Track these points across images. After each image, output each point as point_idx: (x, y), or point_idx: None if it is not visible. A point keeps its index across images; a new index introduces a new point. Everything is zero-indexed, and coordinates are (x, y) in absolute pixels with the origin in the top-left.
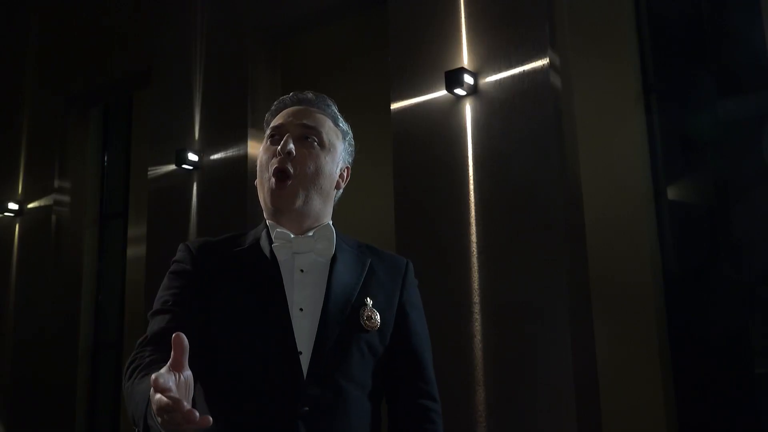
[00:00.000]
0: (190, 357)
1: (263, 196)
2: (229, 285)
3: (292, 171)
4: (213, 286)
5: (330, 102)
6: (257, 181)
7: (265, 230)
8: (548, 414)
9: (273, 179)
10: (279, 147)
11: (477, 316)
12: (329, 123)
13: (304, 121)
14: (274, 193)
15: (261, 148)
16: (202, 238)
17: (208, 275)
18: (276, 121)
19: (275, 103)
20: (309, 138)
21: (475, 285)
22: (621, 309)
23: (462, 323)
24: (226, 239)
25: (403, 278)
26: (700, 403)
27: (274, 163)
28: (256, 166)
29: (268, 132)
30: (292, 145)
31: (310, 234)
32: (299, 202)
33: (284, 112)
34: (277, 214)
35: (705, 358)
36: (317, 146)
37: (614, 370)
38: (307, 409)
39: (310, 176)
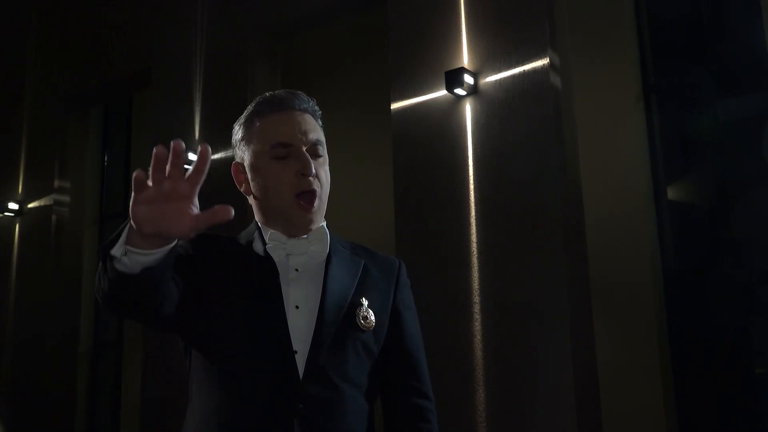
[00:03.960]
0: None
1: (279, 208)
2: (224, 280)
3: (317, 190)
4: (209, 279)
5: (312, 101)
6: (260, 192)
7: (256, 232)
8: (548, 414)
9: (302, 201)
10: (303, 169)
11: (477, 316)
12: (319, 127)
13: (311, 137)
14: (301, 215)
15: (262, 160)
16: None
17: (206, 265)
18: (283, 136)
19: (256, 104)
20: (319, 153)
21: (475, 285)
22: (621, 309)
23: (462, 323)
24: (221, 237)
25: (397, 279)
26: (700, 402)
27: (302, 185)
28: None
29: (270, 146)
30: (313, 166)
31: (305, 236)
32: (317, 221)
33: (288, 124)
34: (293, 230)
35: (705, 358)
36: (323, 160)
37: (614, 370)
38: (302, 407)
39: (326, 192)
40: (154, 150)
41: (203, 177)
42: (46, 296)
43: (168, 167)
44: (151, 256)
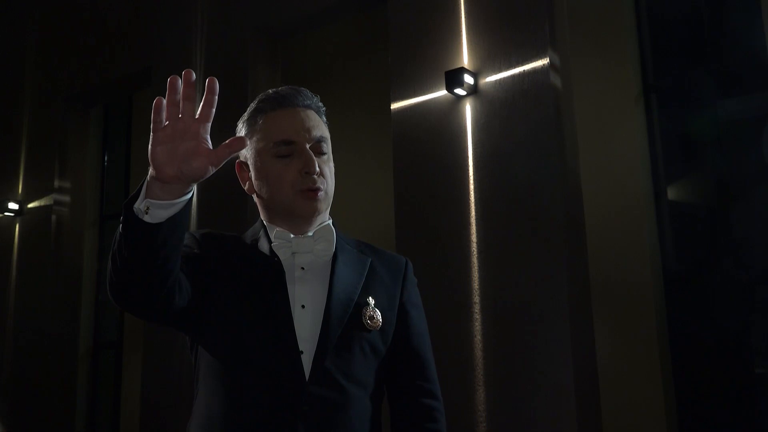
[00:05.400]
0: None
1: (283, 205)
2: (229, 279)
3: (321, 187)
4: (214, 278)
5: (316, 97)
6: (263, 190)
7: (262, 230)
8: (548, 414)
9: (306, 193)
10: (306, 167)
11: (477, 316)
12: (323, 123)
13: (315, 134)
14: (306, 204)
15: (265, 158)
16: (204, 229)
17: (211, 264)
18: (285, 133)
19: (259, 101)
20: (323, 150)
21: (475, 285)
22: (621, 309)
23: (462, 323)
24: (226, 235)
25: (404, 277)
26: (700, 402)
27: (305, 183)
28: None
29: (273, 143)
30: (317, 163)
31: (310, 234)
32: (322, 210)
33: (291, 121)
34: (297, 221)
35: (705, 358)
36: (327, 157)
37: (614, 370)
38: (307, 408)
39: (331, 189)
40: (169, 79)
41: (213, 110)
42: (46, 296)
43: (180, 103)
44: (173, 207)
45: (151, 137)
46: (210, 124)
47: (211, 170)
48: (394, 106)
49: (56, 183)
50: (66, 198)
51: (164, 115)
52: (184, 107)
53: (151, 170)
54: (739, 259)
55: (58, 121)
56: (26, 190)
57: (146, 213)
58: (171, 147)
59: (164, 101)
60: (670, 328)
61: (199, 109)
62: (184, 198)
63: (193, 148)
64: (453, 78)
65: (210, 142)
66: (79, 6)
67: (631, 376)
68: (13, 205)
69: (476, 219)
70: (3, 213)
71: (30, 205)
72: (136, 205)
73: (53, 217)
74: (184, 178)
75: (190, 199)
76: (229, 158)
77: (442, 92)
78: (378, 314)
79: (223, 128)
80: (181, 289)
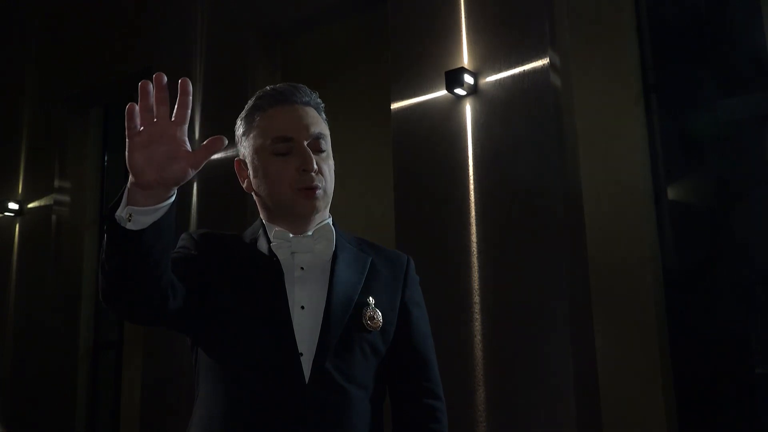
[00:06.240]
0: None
1: (281, 203)
2: (228, 280)
3: (319, 185)
4: (213, 278)
5: (315, 94)
6: (261, 188)
7: (261, 229)
8: (548, 414)
9: (304, 191)
10: (304, 164)
11: (477, 316)
12: (322, 120)
13: (313, 131)
14: (304, 202)
15: (263, 156)
16: (202, 229)
17: (209, 265)
18: (283, 130)
19: (256, 98)
20: (321, 147)
21: (475, 285)
22: (621, 309)
23: (462, 323)
24: (225, 235)
25: (405, 275)
26: (700, 403)
27: (303, 181)
28: None
29: (271, 140)
30: (315, 161)
31: (310, 233)
32: (321, 208)
33: (289, 117)
34: (296, 220)
35: (705, 358)
36: (326, 155)
37: (614, 370)
38: (308, 411)
39: (330, 187)
40: (140, 84)
41: (188, 111)
42: (46, 296)
43: (155, 108)
44: (156, 212)
45: (127, 144)
46: (186, 126)
47: (191, 173)
48: (394, 106)
49: (56, 183)
50: (66, 198)
51: (138, 120)
52: (159, 111)
53: (130, 177)
54: (740, 259)
55: (58, 121)
56: (26, 190)
57: (129, 220)
58: (148, 152)
59: (137, 107)
60: (670, 328)
61: (174, 111)
62: (166, 202)
63: (172, 151)
64: (453, 78)
65: (188, 144)
66: (80, 6)
67: (631, 376)
68: (13, 205)
69: (476, 219)
70: (3, 213)
71: (30, 205)
72: (117, 213)
73: (53, 217)
74: (164, 182)
75: (173, 203)
76: (209, 159)
77: (442, 92)
78: (378, 314)
79: (223, 130)
80: (175, 291)
